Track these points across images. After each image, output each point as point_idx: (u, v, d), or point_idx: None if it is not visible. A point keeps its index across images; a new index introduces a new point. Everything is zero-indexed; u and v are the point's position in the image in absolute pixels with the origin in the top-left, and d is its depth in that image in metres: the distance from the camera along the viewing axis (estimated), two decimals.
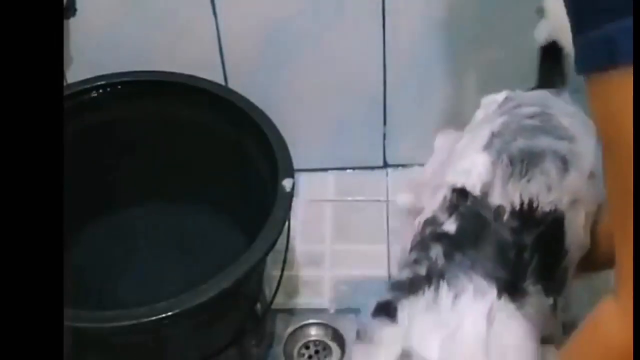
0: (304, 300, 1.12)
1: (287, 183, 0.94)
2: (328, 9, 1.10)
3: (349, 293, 1.13)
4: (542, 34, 0.91)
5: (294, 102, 1.20)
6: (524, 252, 0.72)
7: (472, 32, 1.12)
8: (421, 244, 0.75)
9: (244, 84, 1.12)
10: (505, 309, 0.70)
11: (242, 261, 0.87)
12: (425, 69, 1.16)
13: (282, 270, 1.02)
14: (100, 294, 1.10)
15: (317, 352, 1.09)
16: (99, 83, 1.08)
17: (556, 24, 0.89)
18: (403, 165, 1.27)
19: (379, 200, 1.25)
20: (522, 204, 0.73)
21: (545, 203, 0.74)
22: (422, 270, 0.72)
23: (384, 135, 1.25)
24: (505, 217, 0.73)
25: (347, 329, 1.08)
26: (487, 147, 0.78)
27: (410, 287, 0.72)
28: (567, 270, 0.76)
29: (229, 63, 1.15)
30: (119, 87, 1.09)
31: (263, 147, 1.01)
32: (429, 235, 0.75)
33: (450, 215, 0.75)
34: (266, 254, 0.89)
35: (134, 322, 0.82)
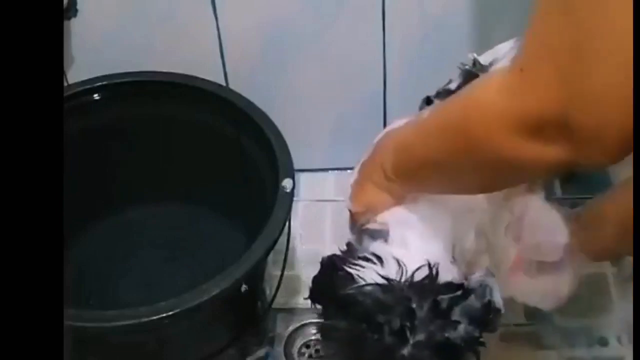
0: (304, 300, 1.12)
1: (287, 183, 0.94)
2: (328, 9, 1.09)
3: None
4: None
5: (294, 102, 1.20)
6: None
7: (472, 32, 1.12)
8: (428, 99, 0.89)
9: (244, 84, 1.12)
10: None
11: (242, 261, 0.87)
12: (425, 69, 1.16)
13: (283, 270, 1.02)
14: (100, 294, 1.10)
15: (317, 351, 1.09)
16: (99, 83, 1.09)
17: None
18: None
19: None
20: None
21: None
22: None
23: None
24: None
25: None
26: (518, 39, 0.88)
27: None
28: None
29: (229, 63, 1.15)
30: (120, 87, 1.09)
31: (263, 147, 1.01)
32: (436, 92, 0.88)
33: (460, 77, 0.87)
34: (266, 254, 0.89)
35: (134, 322, 0.82)
